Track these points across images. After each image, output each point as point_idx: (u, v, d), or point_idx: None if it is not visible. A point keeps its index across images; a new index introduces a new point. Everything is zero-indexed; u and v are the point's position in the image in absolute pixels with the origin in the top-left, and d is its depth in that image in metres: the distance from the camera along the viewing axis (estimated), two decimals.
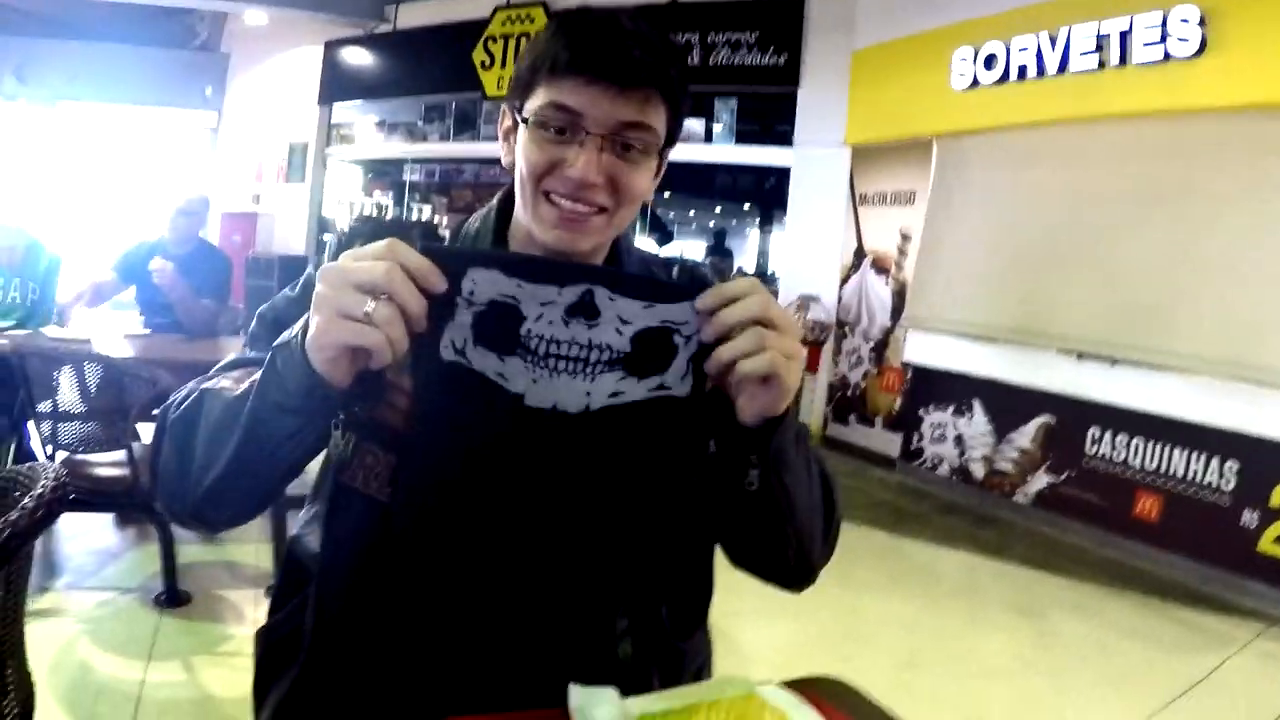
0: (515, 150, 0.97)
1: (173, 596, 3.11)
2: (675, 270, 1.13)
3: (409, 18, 8.88)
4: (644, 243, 6.69)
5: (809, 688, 0.92)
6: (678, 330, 0.85)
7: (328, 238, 1.08)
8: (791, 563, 0.99)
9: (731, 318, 0.83)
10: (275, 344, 0.85)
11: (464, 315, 0.82)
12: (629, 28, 0.91)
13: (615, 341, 0.85)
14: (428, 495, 0.91)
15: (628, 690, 0.87)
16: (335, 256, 0.96)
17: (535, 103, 0.92)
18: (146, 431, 3.27)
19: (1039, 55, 5.07)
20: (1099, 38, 4.76)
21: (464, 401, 0.85)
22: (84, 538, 3.62)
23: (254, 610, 3.12)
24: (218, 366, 0.99)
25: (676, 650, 1.07)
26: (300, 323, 0.82)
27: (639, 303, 0.84)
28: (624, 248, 1.07)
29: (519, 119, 0.95)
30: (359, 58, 9.24)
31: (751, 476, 0.90)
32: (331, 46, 9.36)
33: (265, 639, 1.09)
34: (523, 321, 0.83)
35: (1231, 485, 4.27)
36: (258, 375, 0.85)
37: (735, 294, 0.84)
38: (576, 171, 0.91)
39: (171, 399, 0.95)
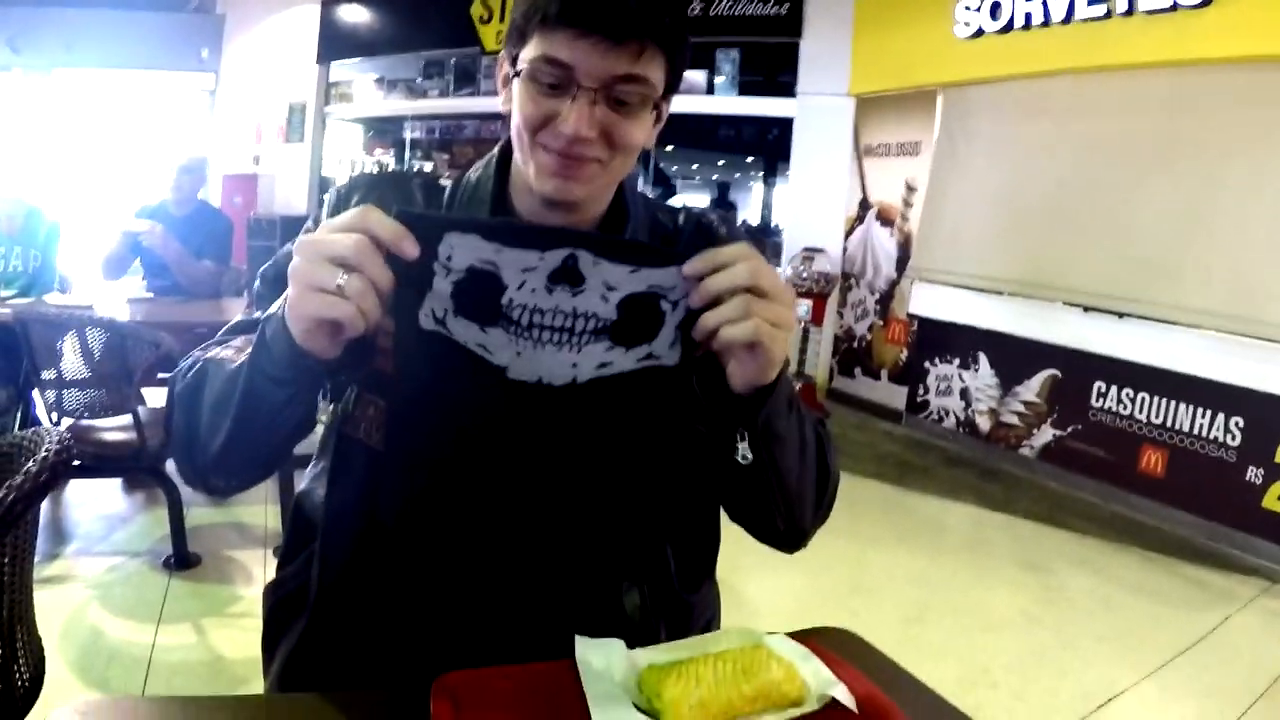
0: (511, 100, 0.95)
1: (181, 559, 3.14)
2: (681, 217, 1.11)
3: None
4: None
5: (816, 639, 0.92)
6: (664, 296, 0.82)
7: (327, 195, 1.06)
8: (781, 528, 0.98)
9: (719, 284, 0.81)
10: (264, 315, 0.84)
11: (442, 283, 0.80)
12: None
13: (601, 309, 0.82)
14: (417, 475, 0.91)
15: (635, 643, 0.87)
16: (334, 211, 0.94)
17: (528, 54, 0.90)
18: (151, 395, 3.28)
19: (1044, 3, 4.97)
20: None
21: (448, 376, 0.84)
22: (92, 503, 3.65)
23: (262, 570, 3.14)
24: (223, 330, 1.00)
25: (684, 603, 1.07)
26: (284, 294, 0.81)
27: (625, 267, 0.81)
28: (629, 190, 1.05)
29: (512, 70, 0.93)
30: (356, 15, 9.11)
31: (742, 450, 0.89)
32: (328, 4, 9.21)
33: (273, 594, 1.10)
34: (504, 290, 0.81)
35: (1237, 441, 4.26)
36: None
37: (724, 260, 0.81)
38: (569, 127, 0.88)
39: (181, 366, 0.95)
